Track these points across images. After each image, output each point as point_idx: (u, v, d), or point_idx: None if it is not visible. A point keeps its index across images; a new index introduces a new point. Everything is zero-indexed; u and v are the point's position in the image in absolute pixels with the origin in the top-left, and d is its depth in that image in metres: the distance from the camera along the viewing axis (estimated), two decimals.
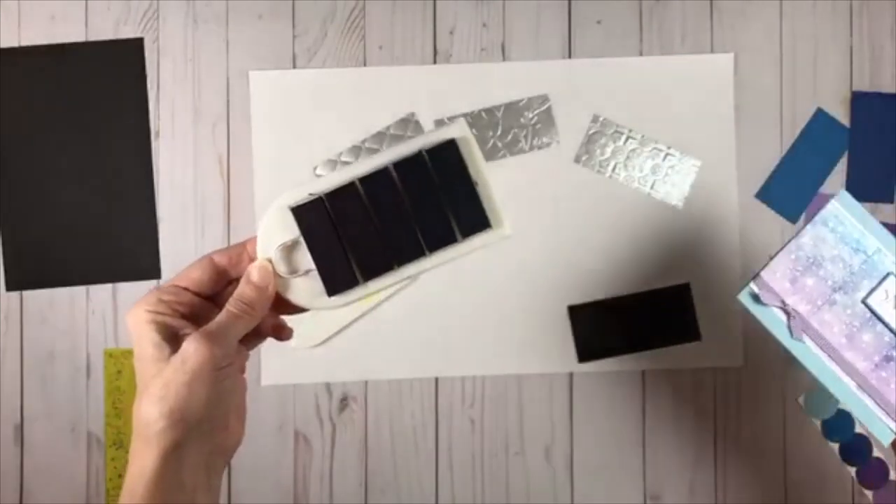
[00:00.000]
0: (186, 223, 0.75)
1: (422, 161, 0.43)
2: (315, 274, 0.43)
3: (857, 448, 0.73)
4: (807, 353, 0.54)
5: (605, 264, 0.74)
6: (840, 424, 0.73)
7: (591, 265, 0.74)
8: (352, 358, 0.74)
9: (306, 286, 0.44)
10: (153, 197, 0.75)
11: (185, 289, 0.43)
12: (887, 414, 0.54)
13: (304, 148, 0.74)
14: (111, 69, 0.75)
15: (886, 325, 0.53)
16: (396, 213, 0.43)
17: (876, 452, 0.73)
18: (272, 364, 0.74)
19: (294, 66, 0.75)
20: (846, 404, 0.54)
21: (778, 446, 0.74)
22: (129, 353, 0.74)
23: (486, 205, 0.44)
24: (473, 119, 0.74)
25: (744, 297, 0.54)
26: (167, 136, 0.75)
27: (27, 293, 0.75)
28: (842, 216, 0.54)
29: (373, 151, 0.74)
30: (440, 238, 0.44)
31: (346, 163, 0.74)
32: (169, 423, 0.39)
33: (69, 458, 0.75)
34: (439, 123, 0.74)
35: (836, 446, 0.74)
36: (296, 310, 0.45)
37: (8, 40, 0.75)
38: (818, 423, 0.74)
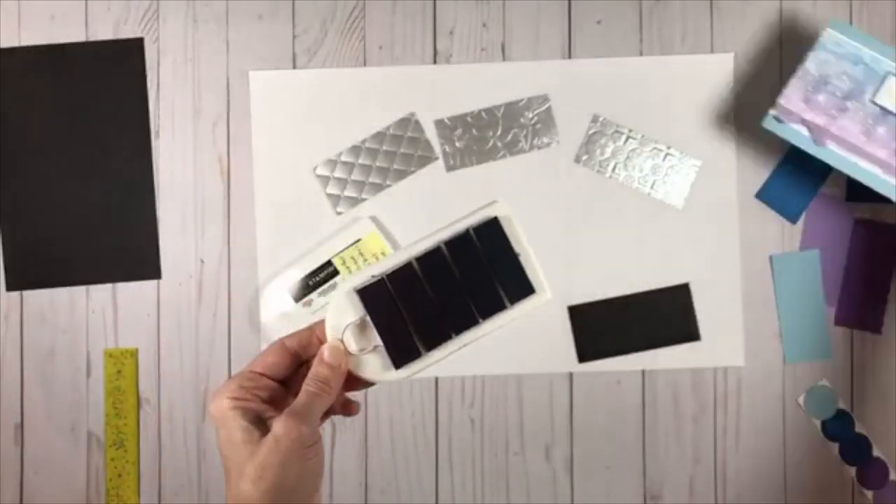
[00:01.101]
0: (186, 223, 0.75)
1: (469, 238, 0.48)
2: (381, 349, 0.47)
3: (857, 448, 0.73)
4: (833, 155, 0.65)
5: (605, 264, 0.74)
6: (840, 424, 0.74)
7: (591, 265, 0.74)
8: None
9: (374, 361, 0.47)
10: (153, 197, 0.75)
11: (262, 374, 0.45)
12: None
13: (304, 148, 0.74)
14: (111, 69, 0.75)
15: None
16: (450, 287, 0.48)
17: (876, 452, 0.73)
18: None
19: (294, 66, 0.75)
20: (878, 188, 0.65)
21: (778, 446, 0.74)
22: (128, 353, 0.75)
23: (529, 273, 0.48)
24: (473, 119, 0.74)
25: (768, 123, 0.66)
26: (167, 136, 0.75)
27: (27, 293, 0.75)
28: (836, 39, 0.65)
29: (373, 151, 0.74)
30: (491, 306, 0.48)
31: (347, 163, 0.74)
32: (268, 502, 0.41)
33: (69, 458, 0.75)
34: (439, 124, 0.74)
35: (835, 446, 0.74)
36: (363, 385, 0.48)
37: (8, 40, 0.75)
38: (818, 423, 0.74)
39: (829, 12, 0.74)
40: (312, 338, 0.47)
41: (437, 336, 0.48)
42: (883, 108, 0.63)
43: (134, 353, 0.75)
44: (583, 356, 0.74)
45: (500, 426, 0.75)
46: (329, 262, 0.72)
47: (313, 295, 0.72)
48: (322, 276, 0.72)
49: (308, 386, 0.45)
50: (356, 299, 0.47)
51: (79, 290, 0.75)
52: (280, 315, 0.72)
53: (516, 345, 0.74)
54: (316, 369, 0.45)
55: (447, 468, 0.74)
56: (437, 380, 0.75)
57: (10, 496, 0.74)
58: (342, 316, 0.47)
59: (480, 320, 0.48)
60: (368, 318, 0.47)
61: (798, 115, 0.64)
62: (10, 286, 0.75)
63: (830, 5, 0.74)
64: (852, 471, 0.74)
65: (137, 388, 0.75)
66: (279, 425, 0.42)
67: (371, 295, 0.47)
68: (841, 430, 0.74)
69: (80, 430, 0.75)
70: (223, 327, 0.75)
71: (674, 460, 0.74)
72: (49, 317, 0.75)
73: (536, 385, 0.75)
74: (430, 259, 0.48)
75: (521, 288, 0.49)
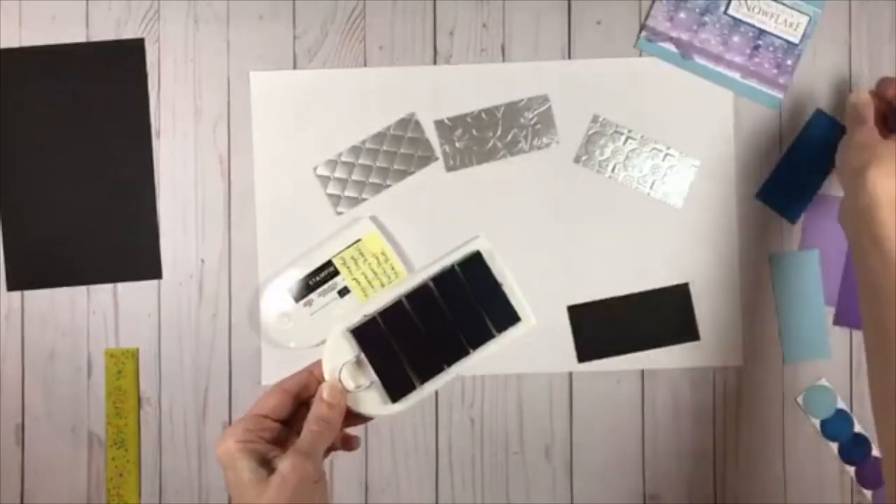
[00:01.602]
0: (187, 223, 0.75)
1: (455, 273, 0.51)
2: (378, 385, 0.49)
3: (856, 447, 0.74)
4: (699, 66, 0.73)
5: (605, 264, 0.74)
6: (839, 424, 0.74)
7: (591, 265, 0.74)
8: None
9: (371, 397, 0.49)
10: (153, 197, 0.75)
11: (265, 416, 0.47)
12: (769, 86, 0.73)
13: (304, 148, 0.74)
14: (112, 69, 0.75)
15: (747, 23, 0.72)
16: (439, 321, 0.50)
17: (875, 452, 0.74)
18: (272, 364, 0.74)
19: (294, 67, 0.75)
20: (740, 92, 0.73)
21: (777, 446, 0.75)
22: (129, 353, 0.75)
23: (513, 302, 0.51)
24: (473, 119, 0.74)
25: (641, 45, 0.73)
26: (168, 136, 0.75)
27: (28, 293, 0.75)
28: None
29: (373, 152, 0.74)
30: (479, 336, 0.51)
31: (347, 163, 0.74)
32: None
33: (70, 458, 0.75)
34: (439, 124, 0.74)
35: (835, 446, 0.74)
36: (362, 420, 0.51)
37: (8, 41, 0.75)
38: (817, 422, 0.74)
39: (827, 12, 0.74)
40: (311, 378, 0.49)
41: (430, 369, 0.50)
42: (735, 19, 0.71)
43: (135, 353, 0.75)
44: (582, 356, 0.74)
45: (500, 426, 0.75)
46: (329, 262, 0.72)
47: (313, 295, 0.72)
48: (322, 276, 0.72)
49: (310, 425, 0.47)
50: (351, 339, 0.49)
51: (79, 291, 0.75)
52: (280, 315, 0.72)
53: (516, 345, 0.74)
54: (316, 408, 0.47)
55: (447, 468, 0.75)
56: None
57: (10, 496, 0.74)
58: (338, 355, 0.49)
59: (470, 350, 0.51)
60: (363, 356, 0.49)
61: (665, 33, 0.72)
62: (11, 286, 0.75)
63: (829, 5, 0.74)
64: (851, 470, 0.74)
65: (138, 388, 0.75)
66: (285, 464, 0.44)
67: (365, 334, 0.49)
68: (840, 429, 0.74)
69: (80, 430, 0.75)
70: (224, 327, 0.75)
71: (673, 460, 0.75)
72: (49, 317, 0.75)
73: (536, 385, 0.75)
74: (418, 295, 0.50)
75: (507, 317, 0.51)
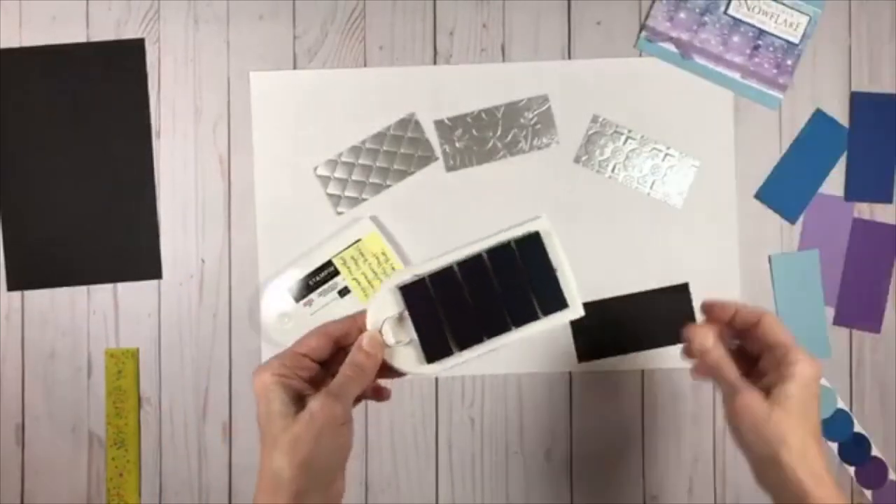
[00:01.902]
0: (187, 223, 0.75)
1: (510, 249, 0.51)
2: (416, 343, 0.50)
3: (856, 448, 0.74)
4: (699, 66, 0.73)
5: (604, 264, 0.74)
6: (838, 424, 0.74)
7: (591, 265, 0.74)
8: None
9: (408, 354, 0.50)
10: (153, 197, 0.75)
11: (304, 355, 0.48)
12: (769, 86, 0.73)
13: (304, 148, 0.74)
14: (112, 70, 0.75)
15: (747, 23, 0.72)
16: (487, 293, 0.50)
17: (875, 452, 0.74)
18: None
19: (294, 67, 0.75)
20: (741, 92, 0.73)
21: None
22: (129, 353, 0.75)
23: (563, 287, 0.51)
24: (473, 119, 0.74)
25: (641, 45, 0.73)
26: (168, 136, 0.75)
27: (28, 293, 0.75)
28: None
29: (373, 152, 0.74)
30: (524, 315, 0.51)
31: (347, 163, 0.74)
32: (298, 472, 0.44)
33: (70, 458, 0.75)
34: (439, 125, 0.74)
35: (834, 446, 0.74)
36: (395, 375, 0.51)
37: (9, 41, 0.75)
38: None
39: (827, 12, 0.74)
40: (354, 326, 0.50)
41: (469, 337, 0.50)
42: (735, 18, 0.72)
43: (135, 353, 0.75)
44: (582, 356, 0.74)
45: (500, 426, 0.75)
46: (329, 262, 0.72)
47: (314, 295, 0.72)
48: (322, 275, 0.72)
49: (345, 369, 0.48)
50: (398, 295, 0.50)
51: (80, 290, 0.75)
52: (280, 315, 0.72)
53: (516, 344, 0.74)
54: (354, 355, 0.48)
55: (447, 468, 0.75)
56: (437, 379, 0.75)
57: (11, 496, 0.74)
58: (383, 309, 0.50)
59: (512, 327, 0.51)
60: (407, 314, 0.50)
61: (665, 33, 0.72)
62: (11, 286, 0.75)
63: (829, 5, 0.74)
64: (851, 470, 0.74)
65: (138, 387, 0.75)
66: (315, 403, 0.45)
67: (412, 293, 0.50)
68: (840, 429, 0.74)
69: (80, 429, 0.75)
70: (224, 327, 0.75)
71: (673, 460, 0.75)
72: (50, 317, 0.75)
73: (536, 385, 0.75)
74: (471, 265, 0.50)
75: (555, 301, 0.51)
